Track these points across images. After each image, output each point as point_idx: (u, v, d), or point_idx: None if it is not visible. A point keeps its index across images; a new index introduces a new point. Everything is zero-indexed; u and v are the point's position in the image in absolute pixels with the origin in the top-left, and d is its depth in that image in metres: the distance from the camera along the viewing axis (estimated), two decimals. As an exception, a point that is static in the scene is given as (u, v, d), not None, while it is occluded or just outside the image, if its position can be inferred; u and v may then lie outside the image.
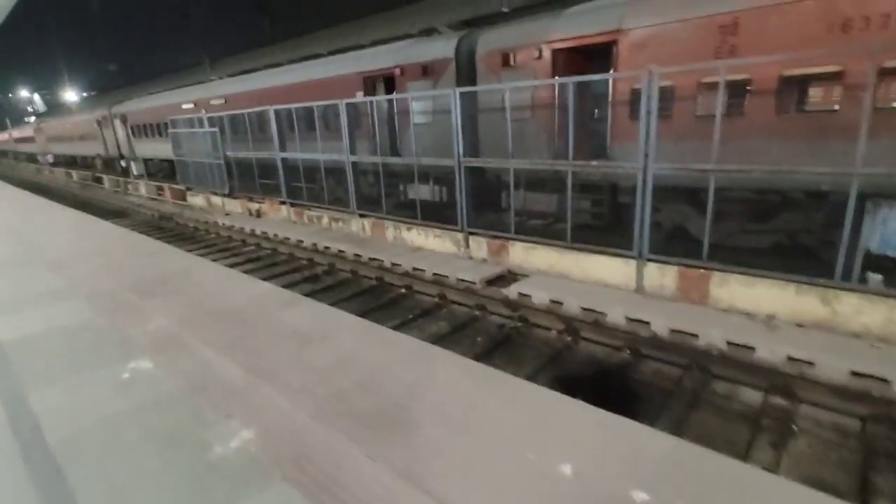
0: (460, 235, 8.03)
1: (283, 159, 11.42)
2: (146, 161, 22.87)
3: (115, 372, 3.36)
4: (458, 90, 7.30)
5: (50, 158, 37.60)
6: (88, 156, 30.43)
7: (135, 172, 21.84)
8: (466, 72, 8.93)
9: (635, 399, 4.44)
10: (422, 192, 10.19)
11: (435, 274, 7.46)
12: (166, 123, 19.61)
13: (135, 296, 4.91)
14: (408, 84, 9.64)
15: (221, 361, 3.44)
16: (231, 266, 7.75)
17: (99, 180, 25.80)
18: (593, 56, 7.35)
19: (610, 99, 6.93)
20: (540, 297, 6.26)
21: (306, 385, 3.10)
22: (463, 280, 7.11)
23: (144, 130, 21.39)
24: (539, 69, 7.66)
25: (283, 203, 11.95)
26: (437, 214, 8.58)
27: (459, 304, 6.68)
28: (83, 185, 26.32)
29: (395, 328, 5.32)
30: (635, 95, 6.62)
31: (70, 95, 64.27)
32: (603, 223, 7.75)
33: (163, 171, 21.97)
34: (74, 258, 6.70)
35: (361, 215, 9.85)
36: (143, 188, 19.88)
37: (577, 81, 6.21)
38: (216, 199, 14.63)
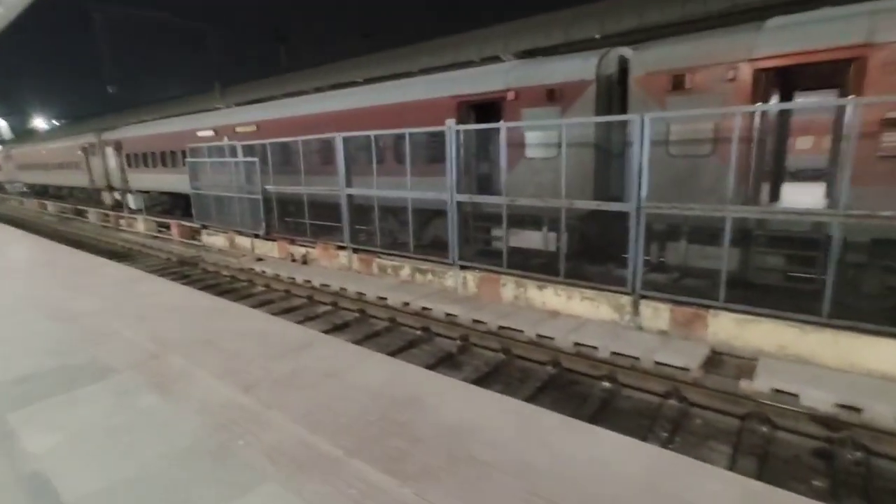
0: (626, 299, 6.22)
1: (349, 196, 9.50)
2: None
3: None
4: (649, 116, 5.65)
5: (20, 188, 34.39)
6: (67, 186, 27.59)
7: (132, 206, 19.32)
8: (609, 97, 7.38)
9: None
10: (531, 239, 8.46)
11: (616, 354, 5.58)
12: (172, 152, 17.51)
13: (385, 476, 2.61)
14: (523, 111, 8.00)
15: None
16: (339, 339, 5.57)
17: (81, 213, 23.04)
18: (814, 76, 5.90)
19: (849, 131, 5.41)
20: (818, 399, 4.44)
21: None
22: (665, 364, 5.25)
23: (144, 160, 19.08)
24: (730, 94, 6.13)
25: (341, 248, 9.93)
26: (553, 269, 6.83)
27: (707, 408, 4.75)
28: (61, 218, 23.46)
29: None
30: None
31: (40, 122, 61.01)
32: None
33: (161, 205, 19.57)
34: (188, 361, 4.19)
35: (463, 267, 7.95)
36: (142, 224, 17.41)
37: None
38: (243, 241, 12.44)
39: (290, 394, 3.57)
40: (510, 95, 8.09)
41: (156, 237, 15.93)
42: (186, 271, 10.98)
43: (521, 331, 6.37)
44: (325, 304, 8.16)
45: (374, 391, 3.61)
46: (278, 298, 8.63)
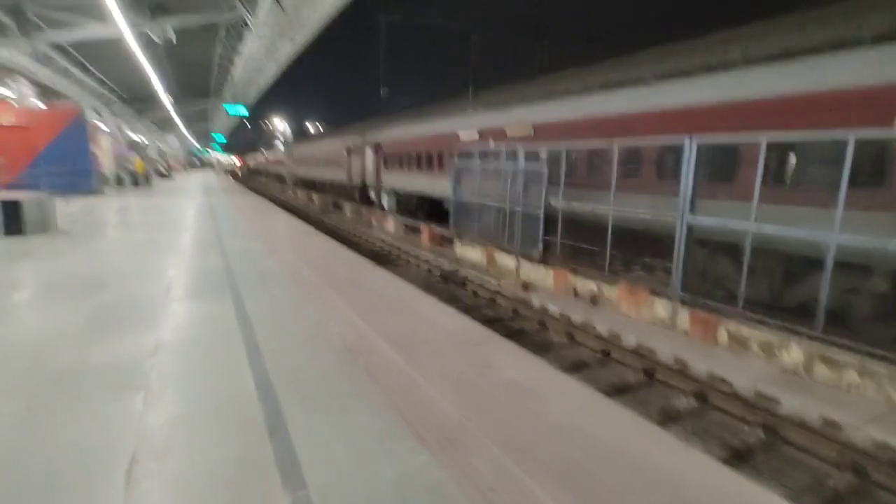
0: None
1: (690, 226, 6.75)
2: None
3: None
4: None
5: (293, 179, 41.18)
6: (328, 181, 31.11)
7: (384, 205, 20.14)
8: None
9: None
10: None
11: None
12: (428, 154, 17.31)
13: None
14: None
15: None
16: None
17: (338, 206, 25.48)
18: None
19: None
20: None
21: None
22: None
23: (399, 161, 19.56)
24: None
25: (655, 293, 7.26)
26: None
27: None
28: (323, 210, 26.33)
29: None
30: None
31: (313, 126, 74.15)
32: None
33: (408, 206, 19.88)
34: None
35: (949, 380, 4.44)
36: (392, 224, 17.69)
37: None
38: (505, 260, 10.78)
39: None
40: None
41: (402, 238, 15.74)
42: (454, 291, 9.71)
43: None
44: (681, 389, 5.51)
45: None
46: (595, 362, 6.33)
